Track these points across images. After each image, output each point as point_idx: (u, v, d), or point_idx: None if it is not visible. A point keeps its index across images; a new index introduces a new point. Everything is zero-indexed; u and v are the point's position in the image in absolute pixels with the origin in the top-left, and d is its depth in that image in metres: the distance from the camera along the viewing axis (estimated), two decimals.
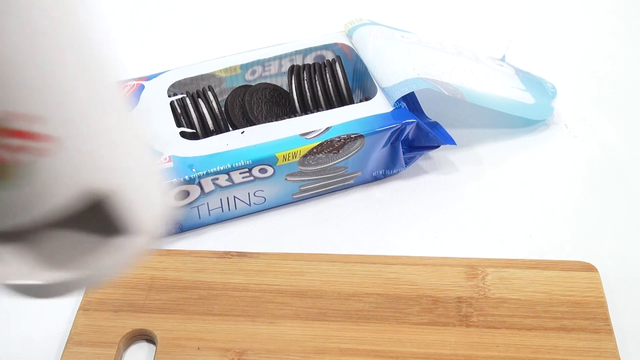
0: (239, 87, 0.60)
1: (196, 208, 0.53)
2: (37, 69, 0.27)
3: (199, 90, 0.57)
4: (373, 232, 0.53)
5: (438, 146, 0.57)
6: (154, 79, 0.58)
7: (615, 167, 0.59)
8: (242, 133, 0.54)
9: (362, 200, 0.56)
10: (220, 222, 0.55)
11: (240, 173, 0.52)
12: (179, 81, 0.58)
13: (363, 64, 0.59)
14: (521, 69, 0.66)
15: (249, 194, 0.54)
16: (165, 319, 0.47)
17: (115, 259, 0.31)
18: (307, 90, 0.58)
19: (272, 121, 0.57)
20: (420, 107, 0.57)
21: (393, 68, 0.57)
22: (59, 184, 0.29)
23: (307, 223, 0.55)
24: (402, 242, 0.53)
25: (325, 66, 0.59)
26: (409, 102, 0.56)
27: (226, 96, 0.59)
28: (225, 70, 0.59)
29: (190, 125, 0.55)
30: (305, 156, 0.53)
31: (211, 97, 0.56)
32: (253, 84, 0.60)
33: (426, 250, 0.52)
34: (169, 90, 0.57)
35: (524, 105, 0.61)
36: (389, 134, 0.54)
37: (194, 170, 0.51)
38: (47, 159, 0.28)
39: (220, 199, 0.53)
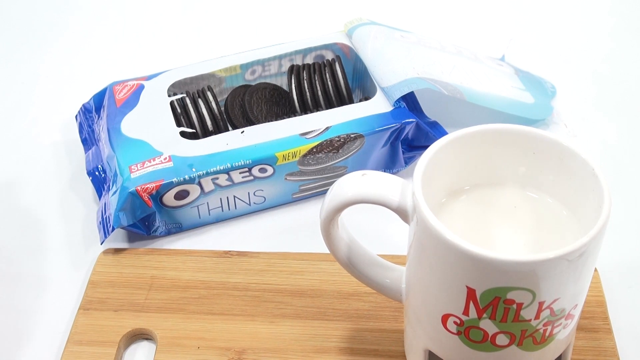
0: (239, 86, 0.60)
1: (196, 207, 0.53)
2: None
3: (199, 90, 0.57)
4: (373, 231, 0.53)
5: None
6: (154, 79, 0.59)
7: (615, 166, 0.59)
8: (242, 133, 0.54)
9: None
10: (220, 221, 0.55)
11: (240, 173, 0.52)
12: (179, 81, 0.58)
13: (363, 63, 0.59)
14: (521, 69, 0.66)
15: (248, 193, 0.54)
16: (165, 318, 0.48)
17: None
18: (306, 90, 0.58)
19: (271, 121, 0.57)
20: (419, 106, 0.57)
21: (393, 68, 0.57)
22: None
23: (307, 223, 0.55)
24: (402, 241, 0.53)
25: (325, 66, 0.59)
26: (409, 102, 0.56)
27: (226, 96, 0.59)
28: (225, 70, 0.59)
29: (190, 125, 0.55)
30: (305, 156, 0.53)
31: (210, 98, 0.56)
32: (253, 83, 0.60)
33: None
34: (169, 90, 0.58)
35: (524, 104, 0.61)
36: (388, 133, 0.54)
37: (194, 169, 0.51)
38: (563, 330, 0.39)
39: (220, 199, 0.53)
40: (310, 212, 0.55)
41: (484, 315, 0.36)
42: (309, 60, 0.61)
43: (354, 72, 0.61)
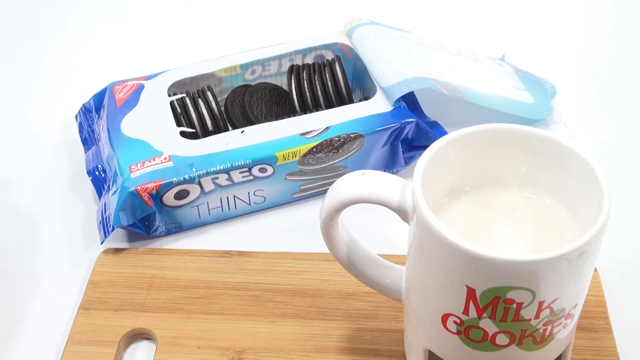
0: (239, 86, 0.60)
1: (196, 207, 0.53)
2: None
3: (199, 90, 0.57)
4: (373, 231, 0.53)
5: None
6: (154, 79, 0.59)
7: (615, 166, 0.59)
8: (242, 132, 0.54)
9: None
10: (220, 221, 0.55)
11: (240, 172, 0.52)
12: (179, 81, 0.58)
13: (363, 63, 0.59)
14: (521, 69, 0.66)
15: (248, 193, 0.54)
16: (165, 318, 0.48)
17: None
18: (306, 90, 0.58)
19: (271, 121, 0.57)
20: (419, 106, 0.57)
21: (392, 67, 0.57)
22: None
23: (307, 222, 0.55)
24: (402, 241, 0.53)
25: (324, 66, 0.59)
26: (409, 102, 0.56)
27: (226, 96, 0.60)
28: (225, 69, 0.59)
29: (190, 125, 0.55)
30: (305, 155, 0.53)
31: (210, 98, 0.56)
32: (253, 83, 0.60)
33: None
34: (169, 89, 0.58)
35: (524, 104, 0.61)
36: (388, 133, 0.54)
37: (194, 169, 0.51)
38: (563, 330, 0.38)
39: (220, 198, 0.53)
40: (310, 212, 0.55)
41: (484, 314, 0.36)
42: (309, 60, 0.61)
43: (354, 72, 0.61)
